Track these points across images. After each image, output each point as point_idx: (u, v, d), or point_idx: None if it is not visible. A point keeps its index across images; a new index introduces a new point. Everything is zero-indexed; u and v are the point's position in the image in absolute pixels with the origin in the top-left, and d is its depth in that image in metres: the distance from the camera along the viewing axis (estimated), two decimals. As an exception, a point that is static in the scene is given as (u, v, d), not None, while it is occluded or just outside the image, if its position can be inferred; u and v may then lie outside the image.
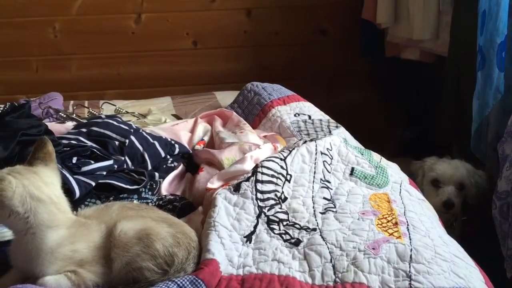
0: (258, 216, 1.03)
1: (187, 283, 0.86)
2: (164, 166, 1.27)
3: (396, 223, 1.02)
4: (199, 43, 2.40)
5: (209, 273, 0.89)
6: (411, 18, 1.99)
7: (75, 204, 1.06)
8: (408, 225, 1.01)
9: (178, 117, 1.74)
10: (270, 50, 2.42)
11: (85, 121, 1.60)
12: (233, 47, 2.41)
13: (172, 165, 1.28)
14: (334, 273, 0.90)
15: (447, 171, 1.69)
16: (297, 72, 2.42)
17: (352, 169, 1.18)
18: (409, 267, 0.90)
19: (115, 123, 1.32)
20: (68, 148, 1.19)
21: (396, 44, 2.14)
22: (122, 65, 2.40)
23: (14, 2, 2.27)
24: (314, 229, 1.01)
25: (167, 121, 1.67)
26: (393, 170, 1.26)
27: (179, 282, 0.86)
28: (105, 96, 2.34)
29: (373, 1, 2.11)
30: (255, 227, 1.01)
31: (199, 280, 0.87)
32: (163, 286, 0.84)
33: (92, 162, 1.18)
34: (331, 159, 1.19)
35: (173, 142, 1.34)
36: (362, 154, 1.23)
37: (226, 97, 1.90)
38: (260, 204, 1.05)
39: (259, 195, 1.06)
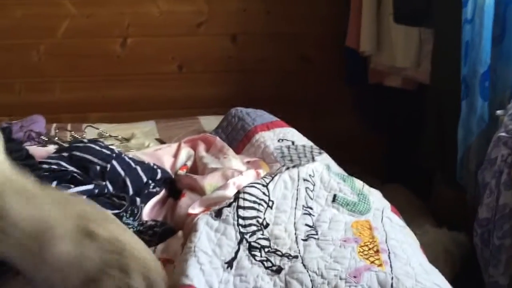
0: (240, 242, 1.02)
1: None
2: (146, 191, 1.26)
3: (377, 251, 1.01)
4: (184, 67, 2.42)
5: None
6: (393, 46, 2.03)
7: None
8: (389, 253, 1.01)
9: (162, 142, 1.73)
10: (255, 76, 2.45)
11: (67, 145, 1.59)
12: (218, 71, 2.43)
13: (154, 190, 1.27)
14: (315, 302, 0.89)
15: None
16: (282, 98, 2.44)
17: (334, 196, 1.18)
18: (390, 296, 0.89)
19: (97, 147, 1.31)
20: (48, 173, 1.18)
21: (379, 71, 2.17)
22: (107, 88, 2.40)
23: (-1, 25, 2.28)
24: (296, 257, 1.00)
25: (151, 145, 1.66)
26: (375, 197, 1.26)
27: None
28: (89, 119, 2.33)
29: (356, 29, 2.15)
30: (236, 253, 1.00)
31: None
32: None
33: (72, 186, 1.17)
34: (314, 185, 1.19)
35: (155, 167, 1.33)
36: (344, 181, 1.23)
37: (210, 122, 1.90)
38: (242, 230, 1.04)
39: (240, 221, 1.05)
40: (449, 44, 1.74)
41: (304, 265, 0.97)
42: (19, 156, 1.18)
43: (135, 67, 2.38)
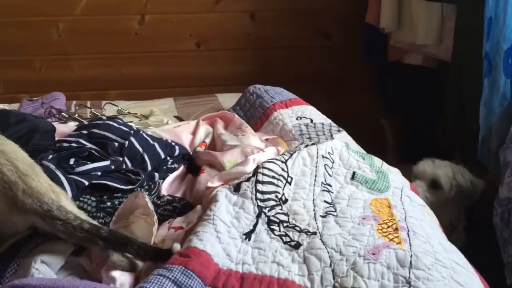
0: (258, 216, 1.02)
1: (179, 275, 0.85)
2: (164, 167, 1.27)
3: (396, 229, 1.01)
4: (202, 44, 2.41)
5: (199, 264, 0.88)
6: (414, 22, 1.99)
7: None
8: (408, 231, 1.01)
9: (180, 119, 1.74)
10: (273, 53, 2.42)
11: (86, 122, 1.61)
12: (236, 49, 2.41)
13: (173, 166, 1.28)
14: (333, 278, 0.90)
15: (421, 167, 1.69)
16: (300, 75, 2.42)
17: (354, 173, 1.18)
18: (409, 273, 0.89)
19: (115, 124, 1.32)
20: (65, 151, 1.20)
21: (399, 48, 2.14)
22: (125, 66, 2.40)
23: (19, 2, 2.28)
24: (314, 233, 1.00)
25: (169, 123, 1.67)
26: (394, 175, 1.25)
27: (170, 276, 0.85)
28: (108, 96, 2.34)
29: (376, 5, 2.11)
30: (255, 226, 1.01)
31: (190, 272, 0.86)
32: (155, 281, 0.84)
33: (89, 163, 1.18)
34: (333, 163, 1.19)
35: (173, 143, 1.34)
36: (363, 159, 1.23)
37: (228, 100, 1.90)
38: (260, 204, 1.04)
39: (259, 195, 1.05)
40: (472, 20, 1.70)
41: (322, 242, 0.97)
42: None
43: (153, 44, 2.38)
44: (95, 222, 0.97)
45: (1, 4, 2.27)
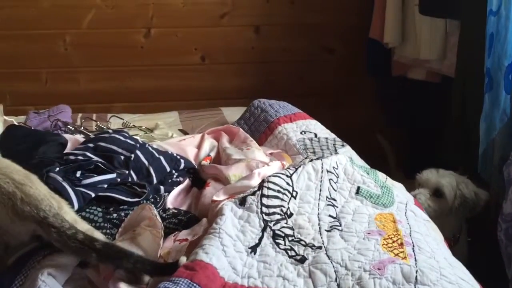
0: (264, 230, 1.03)
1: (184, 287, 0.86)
2: (170, 180, 1.28)
3: (401, 244, 1.02)
4: (207, 58, 2.43)
5: (205, 277, 0.88)
6: (418, 38, 2.00)
7: (76, 212, 1.07)
8: (413, 246, 1.01)
9: (185, 132, 1.75)
10: (278, 66, 2.44)
11: (92, 134, 1.62)
12: (241, 63, 2.44)
13: (178, 179, 1.29)
14: (339, 293, 0.90)
15: (425, 176, 1.70)
16: (304, 89, 2.43)
17: (358, 188, 1.18)
18: (415, 289, 0.89)
19: (121, 138, 1.33)
20: (72, 164, 1.21)
21: (403, 63, 2.15)
22: (130, 79, 2.43)
23: (26, 15, 2.31)
24: (320, 247, 1.00)
25: (174, 136, 1.68)
26: (398, 190, 1.26)
27: None
28: (113, 109, 2.36)
29: (380, 20, 2.13)
30: (260, 239, 1.01)
31: (195, 285, 0.87)
32: None
33: (95, 175, 1.19)
34: (337, 177, 1.19)
35: (178, 157, 1.35)
36: (368, 174, 1.23)
37: (232, 113, 1.91)
38: (266, 218, 1.05)
39: (264, 209, 1.06)
40: (475, 36, 1.71)
41: (328, 256, 0.98)
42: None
43: (159, 58, 2.40)
44: (100, 235, 0.98)
45: (8, 17, 2.30)
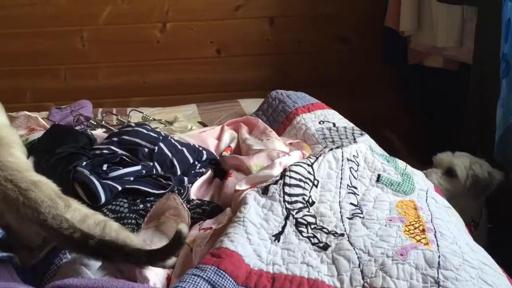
0: (286, 218, 1.05)
1: (212, 274, 0.88)
2: (193, 171, 1.30)
3: (423, 230, 1.03)
4: (222, 51, 2.44)
5: (231, 264, 0.90)
6: (434, 25, 1.99)
7: (103, 205, 1.11)
8: (435, 232, 1.02)
9: (204, 124, 1.77)
10: (293, 58, 2.45)
11: (113, 128, 1.65)
12: (256, 55, 2.45)
13: (200, 170, 1.31)
14: (363, 278, 0.91)
15: (439, 157, 1.71)
16: (320, 80, 2.44)
17: (379, 175, 1.20)
18: (437, 274, 0.91)
19: (144, 131, 1.35)
20: (98, 158, 1.24)
21: (419, 51, 2.14)
22: (147, 73, 2.46)
23: (44, 12, 2.35)
24: (342, 234, 1.02)
25: (193, 128, 1.70)
26: (418, 177, 1.27)
27: (204, 276, 0.87)
28: (130, 103, 2.39)
29: (396, 8, 2.12)
30: (283, 227, 1.03)
31: (222, 271, 0.89)
32: (190, 281, 0.86)
33: (121, 168, 1.22)
34: (358, 165, 1.21)
35: (200, 148, 1.37)
36: (388, 161, 1.25)
37: (250, 105, 1.93)
38: (288, 206, 1.07)
39: (287, 198, 1.08)
40: (492, 22, 1.70)
41: (350, 243, 0.99)
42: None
43: (175, 51, 2.42)
44: (115, 225, 0.99)
45: (26, 15, 2.34)
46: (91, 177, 1.10)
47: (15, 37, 2.35)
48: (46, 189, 1.00)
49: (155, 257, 0.93)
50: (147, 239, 1.01)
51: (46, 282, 0.93)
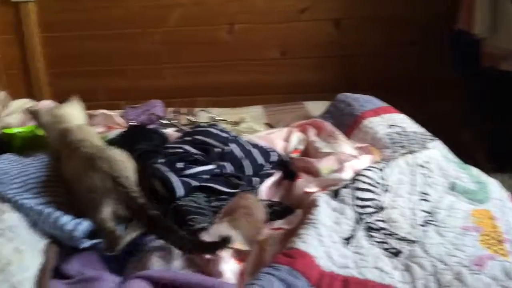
0: (357, 222, 1.05)
1: (286, 274, 0.89)
2: (262, 172, 1.33)
3: (500, 241, 1.00)
4: (287, 53, 2.46)
5: (304, 265, 0.92)
6: (511, 27, 1.91)
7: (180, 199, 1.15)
8: (513, 243, 0.99)
9: (270, 126, 1.79)
10: (358, 60, 2.43)
11: (184, 127, 1.71)
12: (321, 57, 2.44)
13: (269, 171, 1.33)
14: (438, 287, 0.90)
15: None
16: (386, 83, 2.40)
17: (452, 183, 1.17)
18: (517, 286, 0.88)
19: (215, 131, 1.40)
20: (173, 156, 1.29)
21: (494, 54, 2.06)
22: (213, 74, 2.51)
23: (118, 15, 2.46)
24: (415, 241, 1.01)
25: (260, 129, 1.73)
26: (494, 186, 1.23)
27: (278, 275, 0.89)
28: (196, 103, 2.45)
29: (469, 10, 2.05)
30: (354, 231, 1.04)
31: (295, 272, 0.90)
32: (265, 279, 0.89)
33: (195, 166, 1.26)
34: (431, 172, 1.19)
35: (269, 150, 1.39)
36: (462, 169, 1.22)
37: (315, 107, 1.93)
38: (359, 210, 1.07)
39: (358, 202, 1.08)
40: None
41: (424, 250, 0.98)
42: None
43: (241, 53, 2.46)
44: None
45: (101, 18, 2.46)
46: (168, 173, 1.15)
47: (91, 38, 2.48)
48: (121, 154, 1.11)
49: (198, 248, 0.98)
50: (220, 233, 1.04)
51: (128, 272, 0.98)
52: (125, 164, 1.09)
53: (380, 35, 2.40)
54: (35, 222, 1.01)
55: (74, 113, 1.30)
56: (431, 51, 2.38)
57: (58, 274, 0.95)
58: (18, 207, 1.02)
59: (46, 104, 1.83)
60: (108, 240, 1.01)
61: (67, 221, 1.00)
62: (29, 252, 0.90)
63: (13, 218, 0.99)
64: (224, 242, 0.96)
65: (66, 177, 1.14)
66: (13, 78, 2.54)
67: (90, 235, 1.01)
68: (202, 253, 0.97)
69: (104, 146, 1.13)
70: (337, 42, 2.42)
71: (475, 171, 1.24)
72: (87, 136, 1.19)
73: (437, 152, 1.23)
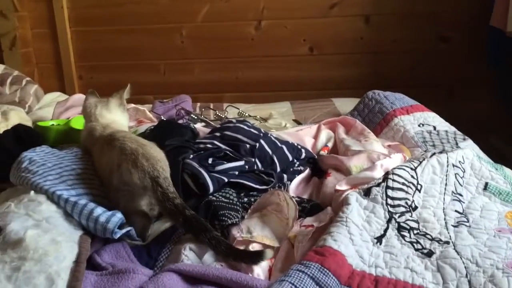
0: (389, 221, 1.04)
1: (316, 272, 0.89)
2: (292, 169, 1.32)
3: (536, 244, 0.98)
4: (315, 49, 2.45)
5: (334, 263, 0.91)
6: (547, 25, 1.86)
7: (212, 194, 1.16)
8: (550, 246, 0.97)
9: (298, 122, 1.79)
10: (388, 57, 2.40)
11: (212, 122, 1.72)
12: (350, 53, 2.43)
13: (299, 168, 1.33)
14: (471, 289, 0.89)
15: None
16: (416, 80, 2.37)
17: (486, 184, 1.15)
18: (553, 291, 0.86)
19: (245, 127, 1.40)
20: (203, 151, 1.30)
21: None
22: (241, 70, 2.52)
23: (148, 10, 2.49)
24: (447, 242, 1.00)
25: (287, 126, 1.73)
26: (528, 187, 1.20)
27: (309, 272, 0.89)
28: (223, 98, 2.47)
29: (503, 8, 2.01)
30: (385, 231, 1.03)
31: (326, 270, 0.90)
32: (295, 276, 0.88)
33: (225, 162, 1.27)
34: (464, 172, 1.17)
35: (299, 147, 1.39)
36: (496, 169, 1.19)
37: (344, 104, 1.92)
38: (391, 209, 1.06)
39: (389, 201, 1.07)
40: None
41: (456, 251, 0.96)
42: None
43: (268, 49, 2.47)
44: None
45: (131, 13, 2.49)
46: (200, 168, 1.16)
47: (121, 33, 2.52)
48: (160, 152, 1.13)
49: (231, 255, 0.97)
50: (250, 227, 1.05)
51: (159, 265, 1.00)
52: (164, 163, 1.10)
53: (411, 31, 2.37)
54: (70, 213, 1.03)
55: (102, 112, 1.32)
56: (464, 48, 2.35)
57: (90, 264, 0.97)
58: (54, 198, 1.04)
59: (77, 97, 1.86)
60: (138, 229, 1.04)
61: (101, 212, 1.01)
62: (65, 243, 0.92)
63: (50, 209, 1.01)
64: (258, 256, 0.96)
65: (99, 169, 1.16)
66: (45, 71, 2.60)
67: (122, 227, 1.03)
68: (234, 261, 0.97)
69: (144, 141, 1.14)
70: (366, 38, 2.40)
71: (509, 171, 1.21)
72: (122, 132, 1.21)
73: (470, 152, 1.21)
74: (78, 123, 1.51)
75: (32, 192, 1.06)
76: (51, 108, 1.88)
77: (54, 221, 0.98)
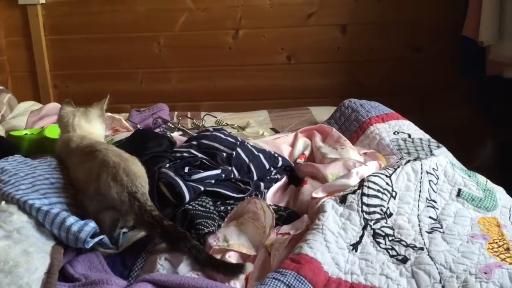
0: (364, 228, 1.05)
1: (292, 279, 0.89)
2: (268, 177, 1.33)
3: (508, 249, 0.99)
4: (292, 58, 2.47)
5: (310, 271, 0.92)
6: (517, 36, 1.91)
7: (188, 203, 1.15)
8: (521, 251, 0.98)
9: (275, 131, 1.80)
10: (364, 66, 2.43)
11: (189, 131, 1.71)
12: (327, 62, 2.45)
13: (276, 176, 1.33)
14: (445, 294, 0.90)
15: None
16: (392, 88, 2.40)
17: (459, 190, 1.17)
18: (524, 295, 0.88)
19: (222, 136, 1.40)
20: (179, 160, 1.29)
21: (499, 62, 2.06)
22: (218, 78, 2.52)
23: (125, 19, 2.47)
24: (421, 248, 1.01)
25: (265, 134, 1.73)
26: (501, 193, 1.22)
27: (284, 280, 0.89)
28: (201, 107, 2.47)
29: (475, 18, 2.05)
30: (361, 238, 1.03)
31: (302, 278, 0.90)
32: (271, 284, 0.88)
33: (202, 171, 1.26)
34: (437, 179, 1.18)
35: (276, 155, 1.39)
36: (469, 176, 1.21)
37: (321, 113, 1.93)
38: (366, 216, 1.07)
39: (365, 208, 1.08)
40: None
41: (431, 257, 0.98)
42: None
43: (246, 58, 2.47)
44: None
45: (108, 21, 2.47)
46: (176, 177, 1.15)
47: (98, 41, 2.49)
48: (141, 168, 1.11)
49: (211, 265, 0.97)
50: (227, 235, 1.04)
51: (134, 275, 0.98)
52: (144, 179, 1.09)
53: (386, 41, 2.41)
54: (42, 222, 1.01)
55: (80, 122, 1.30)
56: (437, 57, 2.39)
57: (62, 276, 0.95)
58: (26, 207, 1.02)
59: (52, 106, 1.84)
60: (107, 224, 1.04)
61: (73, 222, 1.00)
62: (36, 254, 0.90)
63: (21, 219, 0.99)
64: (238, 269, 0.96)
65: (74, 178, 1.14)
66: (19, 80, 2.56)
67: (95, 236, 1.01)
68: (214, 271, 0.97)
69: (127, 155, 1.13)
70: (343, 47, 2.43)
71: (481, 178, 1.24)
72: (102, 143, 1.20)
73: (443, 159, 1.23)
74: (53, 132, 1.49)
75: (3, 203, 1.04)
76: (25, 117, 1.85)
77: (25, 231, 0.96)
